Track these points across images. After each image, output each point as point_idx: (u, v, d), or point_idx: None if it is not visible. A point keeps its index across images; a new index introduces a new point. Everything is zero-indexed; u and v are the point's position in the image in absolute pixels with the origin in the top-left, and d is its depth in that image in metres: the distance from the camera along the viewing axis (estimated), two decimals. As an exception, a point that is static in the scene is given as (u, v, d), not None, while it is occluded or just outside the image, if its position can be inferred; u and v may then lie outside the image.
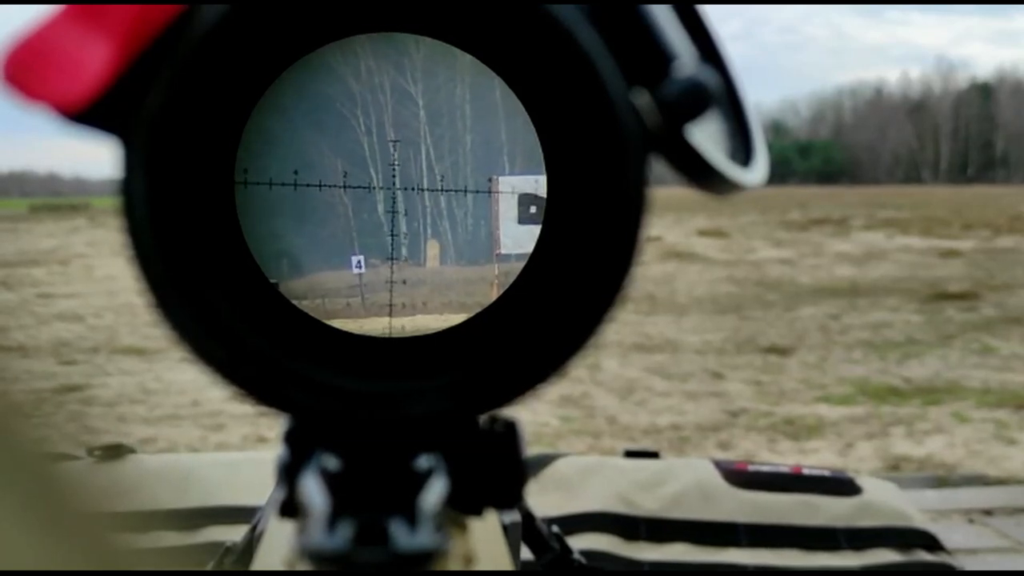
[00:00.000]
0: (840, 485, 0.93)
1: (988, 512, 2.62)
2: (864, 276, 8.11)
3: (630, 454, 1.01)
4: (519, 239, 0.31)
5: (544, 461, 1.12)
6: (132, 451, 0.85)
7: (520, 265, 0.31)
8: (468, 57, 0.30)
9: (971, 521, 2.57)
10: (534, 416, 3.73)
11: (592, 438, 3.48)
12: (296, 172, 0.31)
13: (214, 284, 0.27)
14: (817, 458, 3.25)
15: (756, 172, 0.35)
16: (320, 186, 0.31)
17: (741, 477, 0.95)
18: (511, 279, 0.31)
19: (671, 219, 14.62)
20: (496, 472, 0.30)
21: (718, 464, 0.98)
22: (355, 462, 0.27)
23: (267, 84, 0.30)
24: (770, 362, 4.80)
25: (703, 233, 12.22)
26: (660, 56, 0.26)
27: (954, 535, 2.33)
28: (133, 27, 0.24)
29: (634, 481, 0.94)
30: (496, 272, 0.32)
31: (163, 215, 0.26)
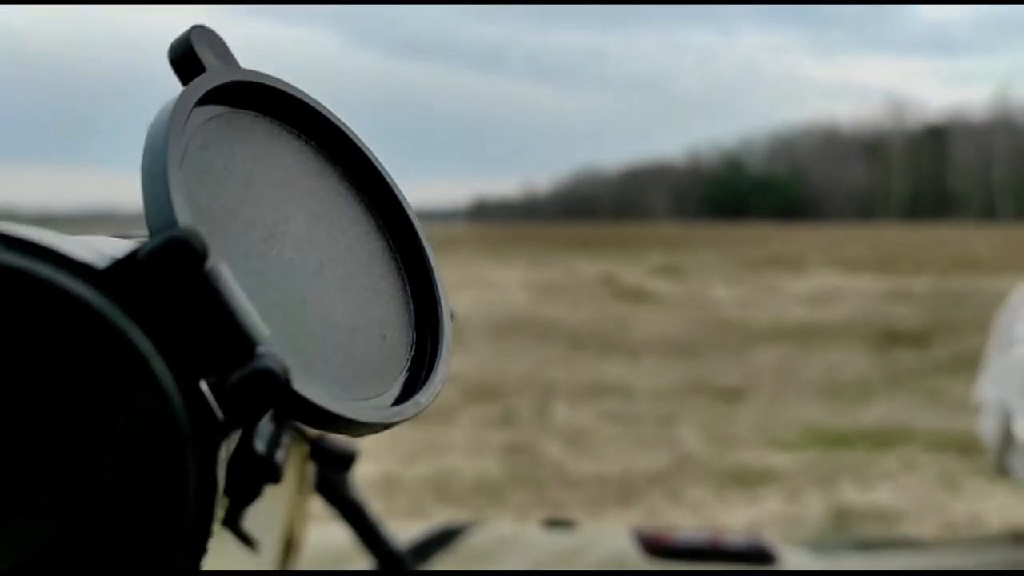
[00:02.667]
0: (755, 554, 0.99)
1: None
2: (817, 316, 8.18)
3: (547, 524, 1.06)
4: None
5: (459, 531, 1.13)
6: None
7: None
8: None
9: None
10: (476, 463, 3.65)
11: (536, 490, 3.41)
12: None
13: None
14: (765, 507, 3.21)
15: (415, 402, 0.29)
16: None
17: (658, 546, 0.99)
18: None
19: (624, 256, 14.70)
20: None
21: (638, 533, 1.02)
22: None
23: None
24: (719, 407, 4.79)
25: (657, 272, 12.28)
26: (239, 342, 0.22)
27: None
28: None
29: (551, 553, 0.97)
30: None
31: None
